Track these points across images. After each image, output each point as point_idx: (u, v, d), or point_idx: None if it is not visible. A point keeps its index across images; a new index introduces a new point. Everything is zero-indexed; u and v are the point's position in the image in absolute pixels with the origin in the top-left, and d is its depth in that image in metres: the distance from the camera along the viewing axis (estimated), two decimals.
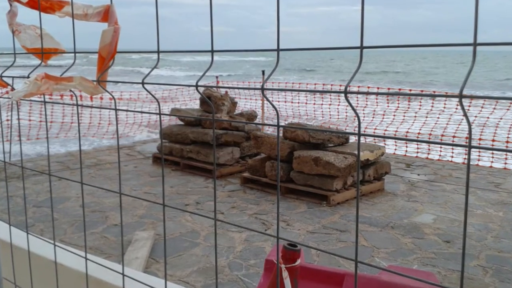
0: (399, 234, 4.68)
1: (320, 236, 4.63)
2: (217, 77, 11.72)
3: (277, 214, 0.86)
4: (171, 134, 7.48)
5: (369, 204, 5.59)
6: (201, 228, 4.80)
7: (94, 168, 7.29)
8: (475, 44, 0.60)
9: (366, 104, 11.93)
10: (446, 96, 0.69)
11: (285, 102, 11.27)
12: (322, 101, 11.93)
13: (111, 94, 1.15)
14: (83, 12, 1.20)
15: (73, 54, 1.19)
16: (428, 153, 8.36)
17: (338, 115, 10.66)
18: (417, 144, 8.80)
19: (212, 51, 0.90)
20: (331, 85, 14.65)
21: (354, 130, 10.75)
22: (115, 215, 5.18)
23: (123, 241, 4.43)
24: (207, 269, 3.90)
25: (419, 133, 9.17)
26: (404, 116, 9.82)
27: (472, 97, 0.64)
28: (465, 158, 8.18)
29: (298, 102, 11.13)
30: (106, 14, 1.17)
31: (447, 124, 9.09)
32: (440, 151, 8.50)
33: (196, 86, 0.90)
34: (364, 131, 9.36)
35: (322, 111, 11.23)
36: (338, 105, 10.64)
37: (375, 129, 9.60)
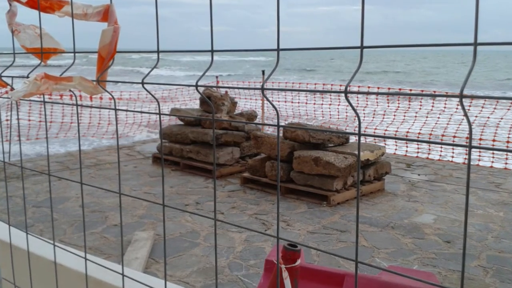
0: (399, 234, 4.68)
1: (320, 236, 4.63)
2: (217, 77, 11.71)
3: (277, 214, 0.86)
4: (171, 134, 7.48)
5: (370, 204, 5.59)
6: (201, 228, 4.80)
7: (93, 168, 7.29)
8: (475, 44, 0.60)
9: (367, 104, 11.93)
10: (447, 96, 0.69)
11: (285, 102, 11.27)
12: (322, 101, 11.93)
13: (110, 94, 1.14)
14: (82, 11, 1.19)
15: (72, 54, 1.18)
16: (429, 153, 8.35)
17: (338, 115, 10.66)
18: (418, 144, 8.80)
19: (212, 51, 0.89)
20: (331, 85, 14.65)
21: (354, 130, 10.75)
22: (115, 215, 5.18)
23: (123, 241, 4.43)
24: (207, 270, 3.90)
25: (419, 133, 9.16)
26: (404, 116, 9.82)
27: (472, 97, 0.64)
28: (465, 158, 8.18)
29: (298, 102, 11.13)
30: (105, 14, 1.17)
31: (447, 124, 9.08)
32: (441, 151, 8.50)
33: (196, 86, 0.90)
34: (365, 131, 9.36)
35: (322, 111, 11.23)
36: (338, 105, 10.64)
37: (376, 129, 9.60)
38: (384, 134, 9.02)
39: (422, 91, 14.52)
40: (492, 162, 7.64)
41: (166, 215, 5.14)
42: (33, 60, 1.13)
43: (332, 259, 4.08)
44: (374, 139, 8.50)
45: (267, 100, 0.86)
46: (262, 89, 0.84)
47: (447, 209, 5.42)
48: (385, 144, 8.01)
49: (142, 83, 0.99)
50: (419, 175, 6.94)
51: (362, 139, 8.49)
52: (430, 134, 9.08)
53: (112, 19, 1.16)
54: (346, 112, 10.85)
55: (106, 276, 1.39)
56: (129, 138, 10.22)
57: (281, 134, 6.32)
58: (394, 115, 9.93)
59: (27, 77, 1.15)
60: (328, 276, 2.18)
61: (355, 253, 0.77)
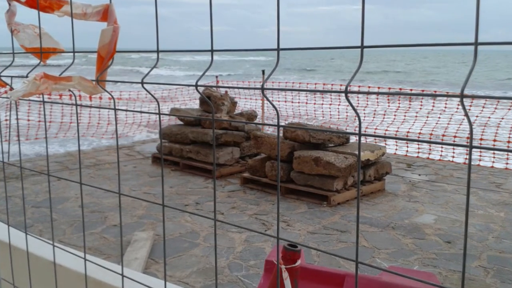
0: (400, 234, 4.67)
1: (320, 236, 4.62)
2: (216, 76, 11.71)
3: (277, 215, 0.86)
4: (170, 134, 7.48)
5: (370, 205, 5.59)
6: (201, 229, 4.79)
7: (93, 168, 7.29)
8: (476, 44, 0.60)
9: (367, 104, 11.93)
10: (447, 96, 0.69)
11: (285, 102, 11.26)
12: (323, 101, 11.92)
13: (110, 94, 1.14)
14: (82, 11, 1.19)
15: (72, 54, 1.18)
16: (429, 153, 8.35)
17: (338, 115, 10.65)
18: (418, 144, 8.79)
19: (212, 51, 0.89)
20: (332, 84, 14.65)
21: (355, 130, 10.74)
22: (114, 216, 5.17)
23: (122, 241, 4.43)
24: (206, 270, 3.89)
25: (420, 133, 9.16)
26: (405, 116, 9.81)
27: (473, 96, 0.64)
28: (466, 158, 8.18)
29: (299, 102, 11.12)
30: (105, 14, 1.16)
31: (448, 124, 9.07)
32: (441, 151, 8.49)
33: (196, 85, 0.89)
34: (365, 131, 9.35)
35: (323, 111, 11.22)
36: (339, 105, 10.63)
37: (376, 129, 9.59)
38: (385, 134, 9.01)
39: (423, 91, 14.51)
40: (493, 162, 7.63)
41: (166, 215, 5.13)
42: (32, 60, 1.13)
43: (332, 259, 4.08)
44: (375, 139, 8.49)
45: (267, 100, 0.85)
46: (262, 89, 0.83)
47: (447, 209, 5.42)
48: (386, 144, 8.01)
49: (142, 83, 0.98)
50: (419, 175, 6.93)
51: (363, 139, 8.48)
52: (431, 134, 9.08)
53: (112, 19, 1.15)
54: (347, 112, 10.84)
55: (105, 276, 1.38)
56: (129, 138, 10.22)
57: (281, 134, 6.31)
58: (395, 115, 9.92)
59: (26, 76, 1.15)
60: (329, 277, 2.18)
61: (356, 253, 0.76)
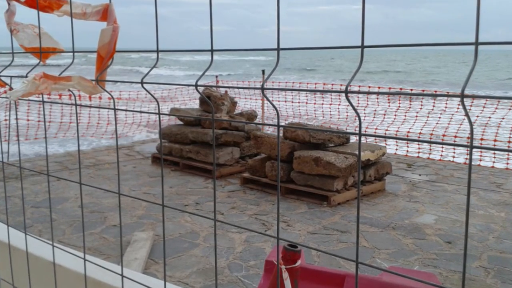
0: (400, 234, 4.67)
1: (320, 236, 4.62)
2: (216, 76, 11.71)
3: (277, 215, 0.85)
4: (170, 134, 7.47)
5: (370, 205, 5.58)
6: (201, 229, 4.79)
7: (92, 168, 7.28)
8: (476, 43, 0.60)
9: (367, 104, 11.92)
10: (448, 95, 0.68)
11: (285, 101, 11.26)
12: (323, 100, 11.91)
13: (110, 94, 1.14)
14: (81, 11, 1.19)
15: (71, 54, 1.18)
16: (430, 153, 8.34)
17: (338, 115, 10.65)
18: (419, 144, 8.78)
19: (212, 50, 0.89)
20: (332, 84, 14.66)
21: (355, 130, 10.74)
22: (114, 216, 5.17)
23: (122, 242, 4.42)
24: (206, 270, 3.89)
25: (420, 133, 9.15)
26: (405, 116, 9.81)
27: (473, 96, 0.64)
28: (466, 158, 8.17)
29: (299, 102, 11.12)
30: (105, 13, 1.16)
31: (448, 124, 9.07)
32: (442, 151, 8.49)
33: (196, 85, 0.89)
34: (365, 131, 9.35)
35: (323, 111, 11.22)
36: (339, 104, 10.63)
37: (376, 129, 9.59)
38: (385, 134, 9.01)
39: (423, 90, 14.50)
40: (494, 162, 7.63)
41: (166, 216, 5.13)
42: (32, 60, 1.13)
43: (332, 259, 4.07)
44: (375, 139, 8.49)
45: (267, 99, 0.85)
46: (262, 88, 0.83)
47: (448, 210, 5.41)
48: (386, 144, 8.00)
49: (142, 82, 0.98)
50: (420, 175, 6.93)
51: (363, 139, 8.48)
52: (431, 134, 9.08)
53: (111, 19, 1.15)
54: (347, 112, 10.84)
55: (105, 277, 1.38)
56: (129, 138, 10.22)
57: (281, 134, 6.31)
58: (395, 115, 9.92)
59: (26, 76, 1.15)
60: (329, 277, 2.17)
61: (356, 253, 0.76)
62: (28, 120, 9.37)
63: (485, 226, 4.90)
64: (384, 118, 10.20)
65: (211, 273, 3.82)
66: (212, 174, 6.77)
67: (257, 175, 6.26)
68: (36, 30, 1.33)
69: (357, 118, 0.69)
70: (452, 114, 9.14)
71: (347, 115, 10.94)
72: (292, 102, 11.25)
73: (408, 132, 9.18)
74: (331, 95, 11.07)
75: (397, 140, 9.41)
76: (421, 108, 10.12)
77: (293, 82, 15.26)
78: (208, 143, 7.02)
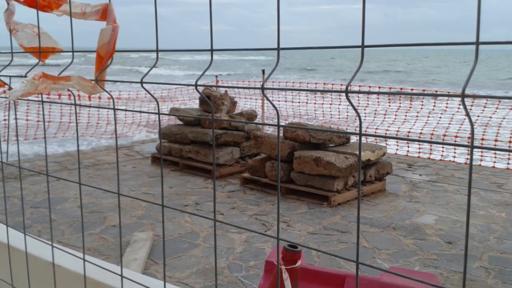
0: (400, 235, 4.66)
1: (320, 237, 4.61)
2: (216, 76, 11.71)
3: (277, 215, 0.85)
4: (170, 134, 7.47)
5: (371, 205, 5.58)
6: (201, 229, 4.79)
7: (92, 168, 7.28)
8: (477, 43, 0.59)
9: (368, 104, 11.92)
10: (448, 95, 0.68)
11: (286, 101, 11.25)
12: (323, 100, 11.91)
13: (109, 94, 1.13)
14: (81, 10, 1.18)
15: (71, 53, 1.17)
16: (430, 153, 8.34)
17: (339, 115, 10.65)
18: (419, 144, 8.78)
19: (212, 50, 0.88)
20: (332, 84, 14.66)
21: (355, 130, 10.73)
22: (114, 216, 5.16)
23: (122, 242, 4.42)
24: (206, 271, 3.89)
25: (421, 133, 9.15)
26: (405, 115, 9.80)
27: (474, 96, 0.64)
28: (467, 158, 8.17)
29: (299, 102, 11.12)
30: (104, 13, 1.16)
31: (449, 124, 9.06)
32: (442, 151, 8.48)
33: (196, 85, 0.88)
34: (366, 131, 9.34)
35: (323, 111, 11.22)
36: (339, 104, 10.62)
37: (377, 129, 9.59)
38: (385, 134, 9.00)
39: (424, 90, 14.49)
40: (494, 162, 7.62)
41: (165, 216, 5.12)
42: (31, 59, 1.12)
43: (332, 260, 4.07)
44: (375, 139, 8.48)
45: (267, 99, 0.84)
46: (262, 88, 0.82)
47: (448, 210, 5.41)
48: (386, 144, 8.00)
49: (141, 82, 0.97)
50: (420, 175, 6.92)
51: (363, 139, 8.48)
52: (432, 134, 9.07)
53: (111, 18, 1.14)
54: (347, 112, 10.84)
55: (104, 277, 1.37)
56: (128, 138, 10.21)
57: (281, 134, 6.30)
58: (395, 115, 9.92)
59: (25, 76, 1.14)
60: (329, 277, 2.17)
61: (356, 254, 0.76)
62: (27, 120, 9.37)
63: (486, 226, 4.89)
64: (384, 118, 10.20)
65: (211, 274, 3.81)
66: (212, 174, 6.76)
67: (257, 175, 6.26)
68: (35, 29, 1.32)
69: (357, 118, 0.69)
70: (453, 114, 9.14)
71: (347, 115, 10.94)
72: (292, 102, 11.25)
73: (409, 132, 9.17)
74: (331, 95, 11.07)
75: (398, 140, 9.41)
76: (421, 108, 10.11)
77: (293, 82, 15.25)
78: (208, 143, 7.01)
